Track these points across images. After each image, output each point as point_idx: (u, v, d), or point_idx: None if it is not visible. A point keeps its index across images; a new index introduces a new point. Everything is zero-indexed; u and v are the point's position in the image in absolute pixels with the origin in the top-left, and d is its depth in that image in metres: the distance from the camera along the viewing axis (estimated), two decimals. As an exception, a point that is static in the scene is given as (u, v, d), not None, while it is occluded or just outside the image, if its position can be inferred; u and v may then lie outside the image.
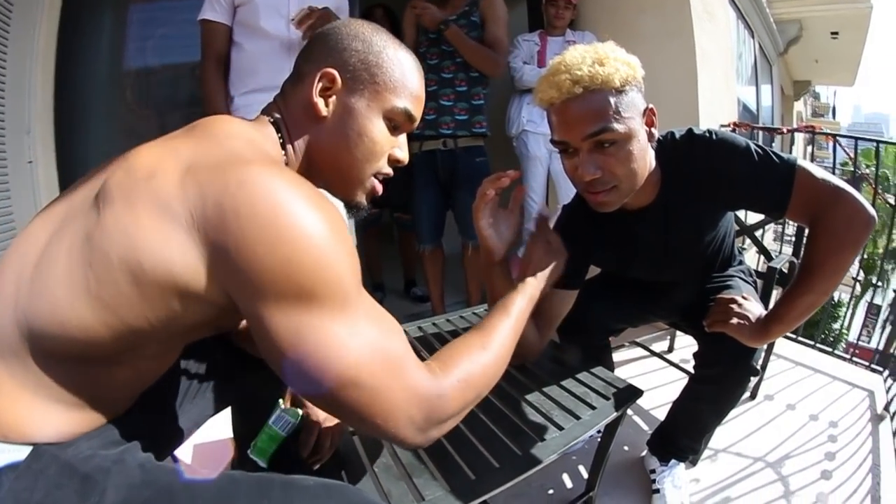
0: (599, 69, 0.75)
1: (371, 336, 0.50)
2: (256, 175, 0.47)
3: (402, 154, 0.71)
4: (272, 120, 0.65)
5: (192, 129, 0.58)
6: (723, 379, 0.99)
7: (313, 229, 0.47)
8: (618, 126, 0.77)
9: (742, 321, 0.89)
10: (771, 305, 0.91)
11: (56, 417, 0.48)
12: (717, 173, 0.86)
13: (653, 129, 0.85)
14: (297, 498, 0.47)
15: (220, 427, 0.84)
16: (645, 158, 0.84)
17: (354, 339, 0.48)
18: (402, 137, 0.71)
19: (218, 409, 0.79)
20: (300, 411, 0.76)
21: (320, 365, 0.47)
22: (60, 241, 0.48)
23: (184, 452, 1.11)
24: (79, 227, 0.48)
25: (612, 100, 0.77)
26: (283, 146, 0.64)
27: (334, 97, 0.64)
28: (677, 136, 0.91)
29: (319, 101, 0.63)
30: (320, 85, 0.63)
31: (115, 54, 1.78)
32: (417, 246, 2.09)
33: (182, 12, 1.77)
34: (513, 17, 2.76)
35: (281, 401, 0.79)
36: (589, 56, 0.77)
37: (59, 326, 0.46)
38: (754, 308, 0.91)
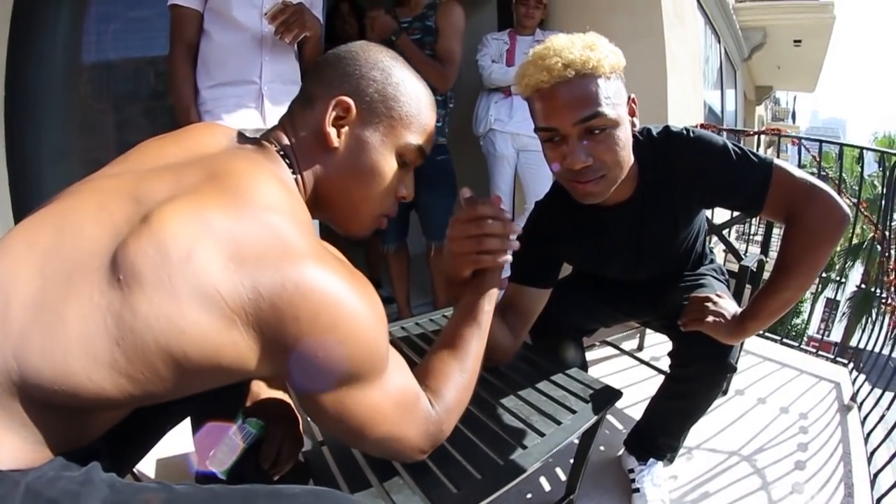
0: (591, 54, 0.74)
1: (395, 387, 0.56)
2: (310, 276, 0.47)
3: (407, 191, 0.69)
4: (280, 150, 0.60)
5: (210, 176, 0.52)
6: (701, 376, 0.99)
7: (367, 324, 0.50)
8: (609, 111, 0.75)
9: (718, 319, 0.89)
10: (743, 304, 0.92)
11: (17, 447, 0.43)
12: (694, 170, 0.86)
13: (634, 119, 0.84)
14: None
15: (180, 439, 0.80)
16: (630, 147, 0.83)
17: (385, 400, 0.55)
18: (410, 175, 0.69)
19: (177, 421, 0.75)
20: (261, 422, 0.72)
21: (358, 428, 0.54)
22: (66, 299, 0.43)
23: (145, 467, 1.05)
24: (95, 295, 0.43)
25: (602, 84, 0.75)
26: (294, 175, 0.61)
27: (347, 128, 0.61)
28: (654, 132, 0.91)
29: (332, 132, 0.60)
30: (334, 114, 0.60)
31: (70, 47, 1.68)
32: (381, 246, 2.03)
33: (140, 6, 1.70)
34: (482, 15, 2.77)
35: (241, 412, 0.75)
36: (578, 41, 0.76)
37: (64, 387, 0.42)
38: (729, 305, 0.91)
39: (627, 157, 0.83)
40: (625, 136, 0.80)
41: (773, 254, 1.01)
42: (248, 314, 0.44)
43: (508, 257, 0.68)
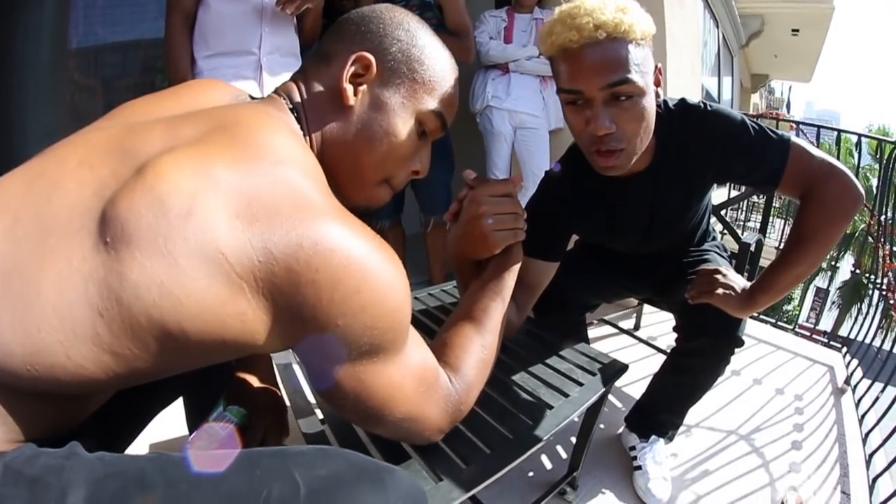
0: (623, 17, 0.70)
1: (415, 363, 0.53)
2: (331, 234, 0.42)
3: (423, 165, 0.64)
4: (290, 105, 0.56)
5: (214, 126, 0.46)
6: (709, 350, 0.99)
7: (393, 290, 0.46)
8: (637, 79, 0.72)
9: (728, 291, 0.89)
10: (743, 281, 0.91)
11: None
12: (711, 144, 0.84)
13: (659, 90, 0.81)
14: (292, 464, 0.40)
15: (173, 420, 0.76)
16: (653, 119, 0.80)
17: (407, 377, 0.51)
18: (427, 147, 0.64)
19: (167, 402, 0.71)
20: (243, 411, 0.67)
21: (378, 408, 0.50)
22: (41, 265, 0.37)
23: (137, 450, 1.02)
24: (76, 260, 0.37)
25: (633, 50, 0.72)
26: (303, 132, 0.56)
27: (365, 86, 0.57)
28: (670, 104, 0.89)
29: (349, 88, 0.55)
30: (352, 69, 0.55)
31: (58, 24, 1.63)
32: (376, 222, 1.96)
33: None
34: (480, -6, 2.72)
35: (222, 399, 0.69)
36: (611, 2, 0.72)
37: (38, 367, 0.37)
38: (737, 279, 0.91)
39: (650, 128, 0.80)
40: (650, 106, 0.77)
41: (769, 239, 1.01)
42: (259, 280, 0.40)
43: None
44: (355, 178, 0.60)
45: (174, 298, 0.38)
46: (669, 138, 0.87)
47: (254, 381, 0.71)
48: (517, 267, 0.72)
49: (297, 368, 0.87)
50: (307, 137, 0.57)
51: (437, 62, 0.60)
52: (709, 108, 0.86)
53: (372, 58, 0.56)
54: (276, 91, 0.59)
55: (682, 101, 0.89)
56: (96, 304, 0.37)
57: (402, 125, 0.58)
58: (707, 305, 0.91)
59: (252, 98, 0.61)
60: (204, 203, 0.39)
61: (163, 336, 0.38)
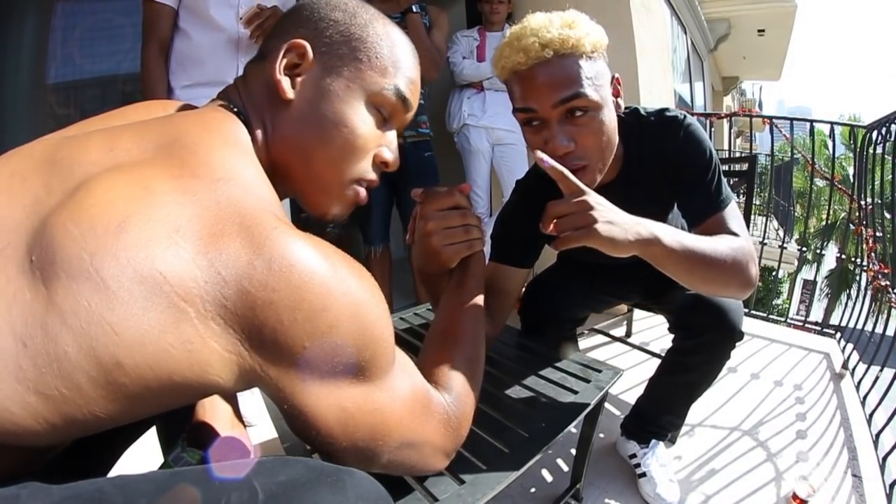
0: (570, 32, 0.69)
1: (405, 386, 0.48)
2: (287, 249, 0.38)
3: (390, 155, 0.58)
4: (233, 107, 0.51)
5: (154, 139, 0.42)
6: (711, 346, 0.98)
7: (364, 304, 0.42)
8: (591, 92, 0.71)
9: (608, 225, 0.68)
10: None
11: None
12: (682, 159, 0.85)
13: (619, 100, 0.81)
14: (251, 473, 0.37)
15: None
16: (615, 131, 0.79)
17: (397, 401, 0.47)
18: (392, 134, 0.59)
19: (137, 434, 0.66)
20: (202, 455, 0.61)
21: (370, 440, 0.45)
22: None
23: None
24: (0, 280, 0.33)
25: (584, 65, 0.71)
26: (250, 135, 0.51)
27: (304, 76, 0.52)
28: (643, 112, 0.88)
29: (284, 80, 0.50)
30: (286, 60, 0.51)
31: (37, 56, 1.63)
32: (365, 247, 1.95)
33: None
34: (450, 14, 2.77)
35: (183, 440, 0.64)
36: (557, 19, 0.71)
37: None
38: (619, 214, 0.71)
39: (612, 141, 0.78)
40: (609, 118, 0.76)
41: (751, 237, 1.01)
42: (207, 303, 0.35)
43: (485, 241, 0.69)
44: (314, 181, 0.54)
45: (105, 325, 0.32)
46: (639, 147, 0.87)
47: (215, 415, 0.65)
48: (480, 274, 0.70)
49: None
50: (254, 139, 0.52)
51: (383, 38, 0.54)
52: (689, 127, 0.85)
53: (306, 44, 0.51)
54: (218, 95, 0.55)
55: (662, 112, 0.87)
56: (20, 331, 0.32)
57: (352, 112, 0.53)
58: (703, 303, 0.90)
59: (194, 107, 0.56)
60: (138, 217, 0.35)
61: (98, 374, 0.33)
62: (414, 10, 1.72)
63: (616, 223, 0.67)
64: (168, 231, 0.35)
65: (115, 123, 0.49)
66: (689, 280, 0.76)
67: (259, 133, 0.52)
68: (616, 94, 0.80)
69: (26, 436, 0.33)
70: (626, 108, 0.89)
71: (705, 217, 0.84)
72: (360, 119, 0.53)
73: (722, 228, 0.82)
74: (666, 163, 0.86)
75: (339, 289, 0.40)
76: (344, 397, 0.42)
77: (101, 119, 0.52)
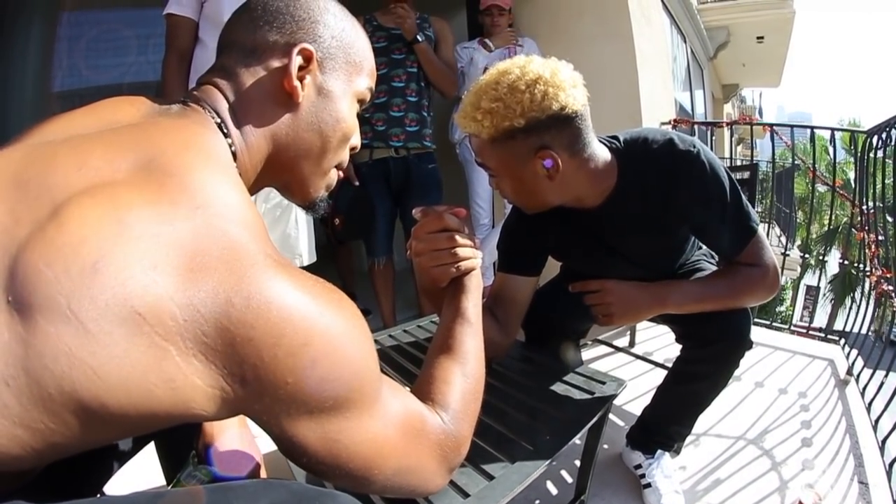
0: (476, 120, 0.78)
1: (395, 411, 0.48)
2: (265, 286, 0.37)
3: (358, 139, 0.65)
4: (216, 117, 0.50)
5: (128, 158, 0.40)
6: (720, 355, 0.98)
7: (346, 337, 0.42)
8: (493, 164, 0.83)
9: (614, 310, 0.94)
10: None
11: None
12: (697, 202, 0.87)
13: (551, 171, 0.80)
14: (233, 497, 0.37)
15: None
16: (530, 190, 0.85)
17: (388, 427, 0.47)
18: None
19: (139, 447, 0.66)
20: (212, 473, 0.64)
21: (364, 468, 0.45)
22: None
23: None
24: None
25: (488, 145, 0.80)
26: (232, 148, 0.51)
27: (309, 79, 0.54)
28: (650, 139, 0.88)
29: (298, 87, 0.53)
30: (298, 64, 0.53)
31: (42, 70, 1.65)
32: (369, 259, 1.97)
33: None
34: (452, 26, 2.81)
35: (194, 455, 0.66)
36: (482, 99, 0.77)
37: None
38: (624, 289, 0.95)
39: (530, 195, 0.86)
40: (515, 183, 0.84)
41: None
42: (187, 341, 0.34)
43: (479, 261, 0.71)
44: (311, 175, 0.59)
45: (87, 368, 0.32)
46: (644, 181, 0.87)
47: (225, 433, 0.66)
48: (476, 290, 0.70)
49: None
50: (240, 148, 0.52)
51: (359, 39, 0.60)
52: (704, 161, 0.85)
53: (313, 49, 0.53)
54: (196, 97, 0.52)
55: (670, 141, 0.86)
56: (2, 371, 0.31)
57: (348, 109, 0.58)
58: (711, 315, 0.93)
59: (168, 105, 0.53)
60: (113, 256, 0.33)
61: (80, 411, 0.32)
62: (419, 39, 1.75)
63: (630, 303, 0.93)
64: (145, 268, 0.34)
65: (81, 123, 0.47)
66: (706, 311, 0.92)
67: (243, 141, 0.52)
68: (545, 158, 0.78)
69: (12, 462, 0.33)
70: (637, 136, 0.90)
71: (736, 253, 0.91)
72: (352, 115, 0.59)
73: (754, 259, 0.90)
74: (678, 198, 0.87)
75: (319, 322, 0.40)
76: (333, 429, 0.42)
77: (66, 119, 0.48)
